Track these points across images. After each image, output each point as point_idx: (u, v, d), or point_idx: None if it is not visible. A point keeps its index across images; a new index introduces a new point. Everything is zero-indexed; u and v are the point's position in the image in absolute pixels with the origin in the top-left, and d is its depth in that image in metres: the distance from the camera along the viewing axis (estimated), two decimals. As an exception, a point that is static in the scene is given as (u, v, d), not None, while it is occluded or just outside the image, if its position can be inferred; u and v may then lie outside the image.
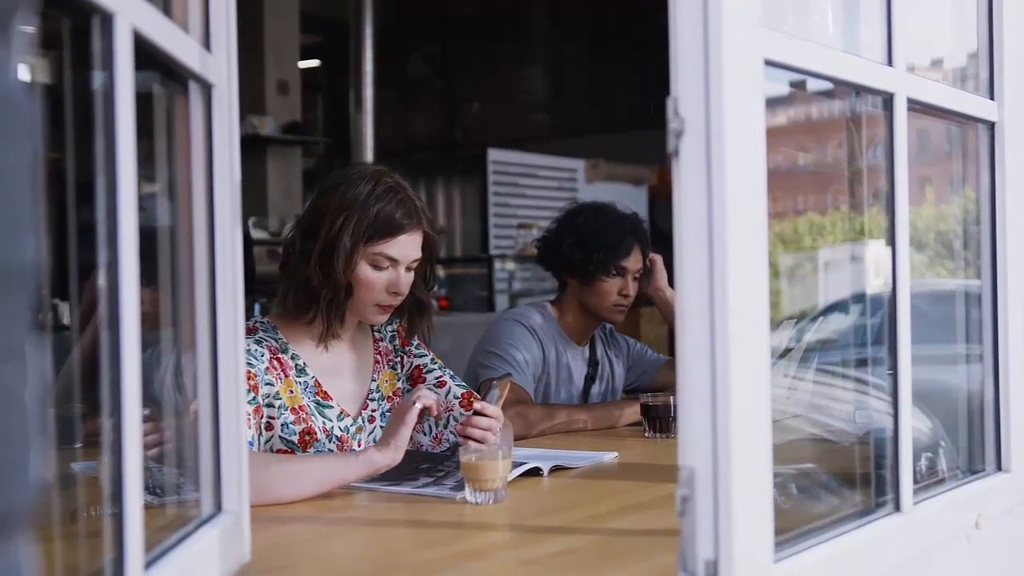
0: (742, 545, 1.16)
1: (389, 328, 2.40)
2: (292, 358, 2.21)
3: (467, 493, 1.86)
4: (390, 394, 2.35)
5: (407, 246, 2.19)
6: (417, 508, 1.83)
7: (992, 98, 1.79)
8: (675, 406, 2.62)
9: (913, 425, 1.55)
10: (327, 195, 2.19)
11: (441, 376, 2.37)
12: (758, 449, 1.20)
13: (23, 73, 0.58)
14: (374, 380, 2.33)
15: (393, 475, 2.03)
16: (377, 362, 2.35)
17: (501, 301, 7.40)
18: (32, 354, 0.57)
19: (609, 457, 2.34)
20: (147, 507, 1.07)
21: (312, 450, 2.15)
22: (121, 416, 1.00)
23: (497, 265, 7.52)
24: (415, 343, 2.41)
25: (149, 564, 1.08)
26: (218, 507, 1.36)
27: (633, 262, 2.99)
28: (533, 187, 8.33)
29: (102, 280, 1.00)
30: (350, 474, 1.93)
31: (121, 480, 1.00)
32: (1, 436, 0.55)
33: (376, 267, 2.18)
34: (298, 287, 2.18)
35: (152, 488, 1.33)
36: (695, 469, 1.17)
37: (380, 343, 2.38)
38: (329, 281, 2.15)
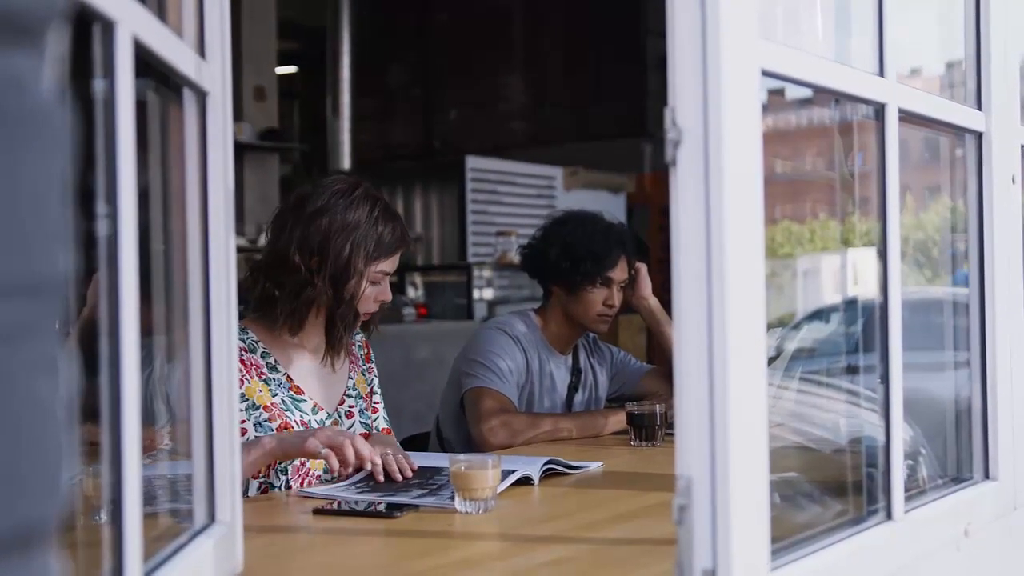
0: (740, 554, 1.16)
1: (358, 335, 2.49)
2: (262, 356, 2.26)
3: (456, 502, 1.85)
4: (365, 394, 2.44)
5: (397, 259, 2.34)
6: (408, 518, 1.83)
7: (979, 108, 1.80)
8: (661, 414, 2.63)
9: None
10: (322, 216, 2.23)
11: (378, 403, 2.48)
12: (755, 458, 1.20)
13: (55, 84, 0.58)
14: (351, 378, 2.42)
15: (386, 488, 2.02)
16: (352, 363, 2.44)
17: (480, 309, 7.39)
18: (61, 365, 0.57)
19: (595, 467, 2.33)
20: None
21: None
22: (120, 426, 0.99)
23: (476, 273, 7.49)
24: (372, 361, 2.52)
25: (146, 575, 1.07)
26: (211, 518, 1.35)
27: (619, 273, 3.00)
28: (512, 195, 8.32)
29: (102, 288, 0.99)
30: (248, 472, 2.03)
31: (120, 491, 0.99)
32: (34, 447, 0.54)
33: (374, 283, 2.29)
34: (303, 306, 2.25)
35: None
36: (693, 478, 1.17)
37: (352, 346, 2.47)
38: (341, 303, 2.24)
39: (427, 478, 2.12)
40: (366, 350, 2.51)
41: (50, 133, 0.56)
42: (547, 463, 2.18)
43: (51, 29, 0.57)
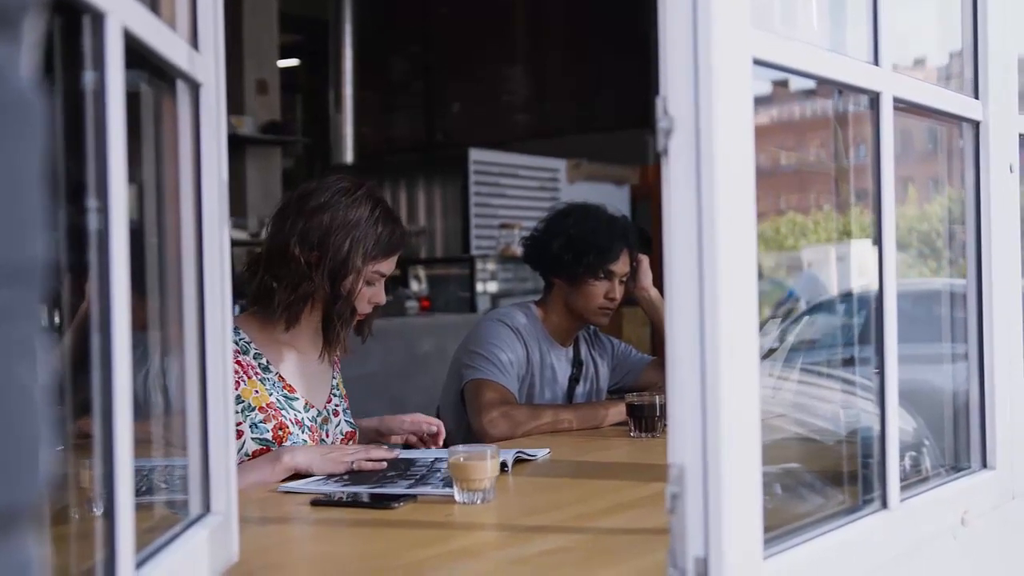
0: (732, 542, 1.16)
1: None
2: (255, 357, 2.29)
3: (455, 493, 1.86)
4: (344, 394, 2.48)
5: (394, 262, 2.36)
6: (405, 509, 1.83)
7: (976, 97, 1.80)
8: (660, 405, 2.63)
9: (898, 424, 1.56)
10: (323, 212, 2.26)
11: (338, 407, 2.46)
12: (748, 446, 1.20)
13: (32, 73, 0.58)
14: (334, 378, 2.46)
15: (367, 481, 2.02)
16: (336, 363, 2.48)
17: (483, 302, 7.40)
18: (41, 350, 0.57)
19: (543, 454, 2.35)
20: (135, 507, 1.07)
21: (288, 443, 2.23)
22: (112, 418, 0.99)
23: (479, 266, 7.50)
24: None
25: (139, 564, 1.08)
26: (207, 508, 1.35)
27: (621, 266, 3.00)
28: (515, 187, 8.32)
29: (92, 282, 0.99)
30: (271, 479, 2.08)
31: (112, 481, 0.99)
32: (12, 432, 0.55)
33: (369, 283, 2.31)
34: (299, 299, 2.26)
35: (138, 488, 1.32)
36: (685, 467, 1.17)
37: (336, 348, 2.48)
38: (337, 298, 2.26)
39: (404, 469, 2.12)
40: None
41: (27, 122, 0.56)
42: (517, 459, 2.22)
43: (28, 19, 0.57)
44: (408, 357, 5.78)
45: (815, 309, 2.66)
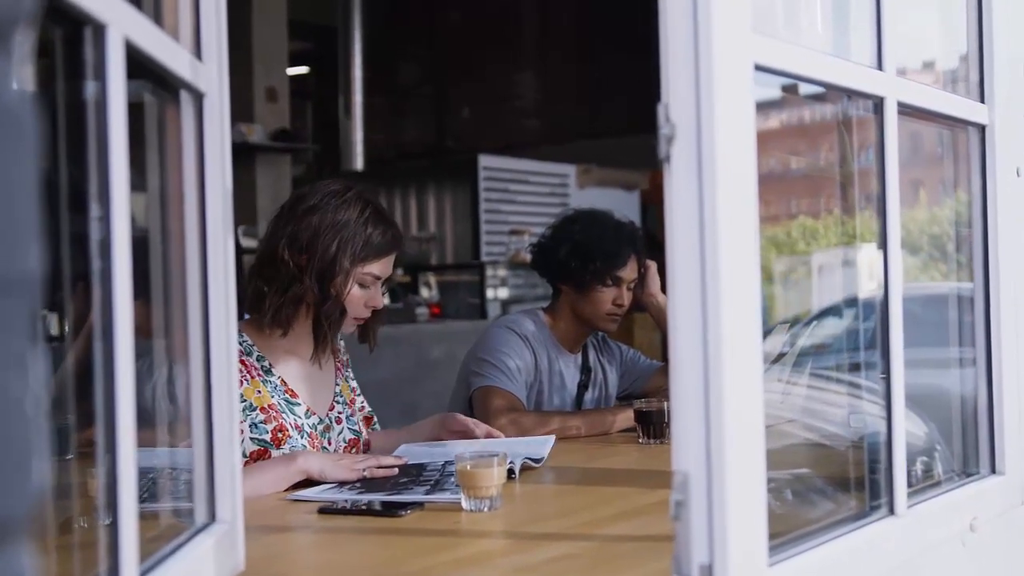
0: (736, 549, 1.16)
1: (341, 341, 2.53)
2: (258, 359, 2.29)
3: (463, 501, 1.85)
4: (349, 400, 2.48)
5: (389, 265, 2.35)
6: (413, 517, 1.83)
7: (983, 101, 1.79)
8: (668, 411, 2.63)
9: (908, 429, 1.56)
10: (312, 214, 2.27)
11: (341, 414, 2.46)
12: (752, 453, 1.20)
13: (24, 84, 0.58)
14: (337, 384, 2.45)
15: (380, 488, 2.02)
16: (339, 369, 2.47)
17: (493, 308, 7.39)
18: (33, 362, 0.58)
19: (548, 446, 2.36)
20: (141, 516, 1.07)
21: (287, 446, 2.24)
22: (115, 426, 1.00)
23: (489, 272, 7.49)
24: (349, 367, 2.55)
25: (144, 574, 1.08)
26: (212, 516, 1.36)
27: (629, 272, 2.99)
28: (525, 193, 8.32)
29: (95, 291, 1.00)
30: (283, 481, 2.07)
31: (116, 490, 0.99)
32: (3, 442, 0.55)
33: (362, 285, 2.31)
34: (289, 302, 2.26)
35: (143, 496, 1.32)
36: (689, 473, 1.17)
37: (339, 352, 2.51)
38: (326, 300, 2.26)
39: (417, 475, 2.12)
40: (347, 356, 2.55)
41: (19, 134, 0.56)
42: (524, 466, 2.21)
43: (19, 31, 0.57)
44: (418, 363, 5.79)
45: (825, 313, 2.65)
